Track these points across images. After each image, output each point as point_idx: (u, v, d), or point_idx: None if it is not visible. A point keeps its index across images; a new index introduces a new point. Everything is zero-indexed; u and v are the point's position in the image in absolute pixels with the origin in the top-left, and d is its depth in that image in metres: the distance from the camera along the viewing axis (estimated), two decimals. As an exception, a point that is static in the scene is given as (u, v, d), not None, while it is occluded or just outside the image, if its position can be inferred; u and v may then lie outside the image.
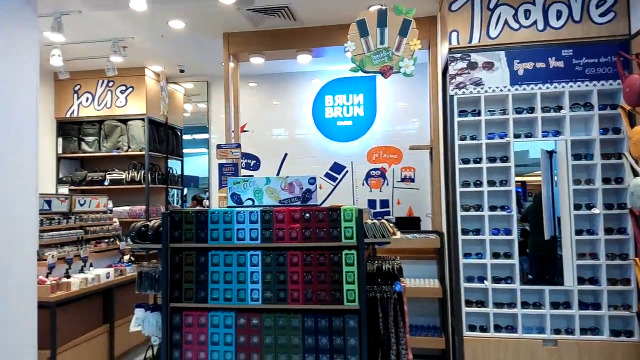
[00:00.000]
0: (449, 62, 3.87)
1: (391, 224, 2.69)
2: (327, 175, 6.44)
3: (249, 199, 2.98)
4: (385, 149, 6.30)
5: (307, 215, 2.65)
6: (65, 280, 3.86)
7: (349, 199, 6.32)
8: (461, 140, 3.87)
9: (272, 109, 6.77)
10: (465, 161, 3.88)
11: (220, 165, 4.89)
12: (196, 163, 7.76)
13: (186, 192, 7.66)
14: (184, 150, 7.38)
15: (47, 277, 3.79)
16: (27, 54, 3.23)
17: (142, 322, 2.77)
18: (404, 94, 6.34)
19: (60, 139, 6.42)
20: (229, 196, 3.03)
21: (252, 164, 6.70)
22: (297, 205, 2.87)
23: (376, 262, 2.83)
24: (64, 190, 6.33)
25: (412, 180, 6.22)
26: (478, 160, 3.85)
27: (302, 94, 6.62)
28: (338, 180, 6.43)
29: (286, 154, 6.62)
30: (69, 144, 6.41)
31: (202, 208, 5.80)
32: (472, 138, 3.88)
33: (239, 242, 2.70)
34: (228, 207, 2.97)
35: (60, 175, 6.43)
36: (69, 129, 6.43)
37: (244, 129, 6.58)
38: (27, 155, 3.24)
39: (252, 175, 6.47)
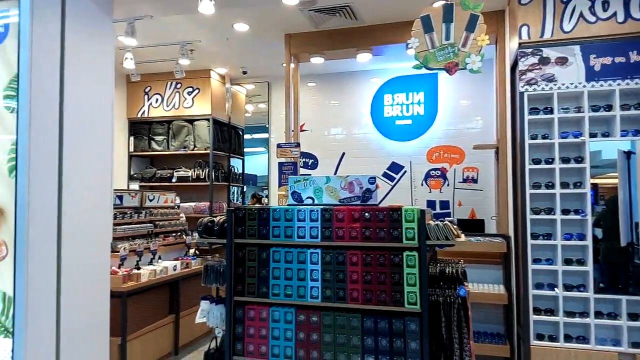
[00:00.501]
0: (519, 57, 3.69)
1: (455, 226, 2.60)
2: (385, 174, 6.36)
3: (308, 197, 3.00)
4: (446, 148, 6.12)
5: (367, 214, 2.63)
6: (135, 271, 4.10)
7: (407, 199, 6.21)
8: (532, 139, 3.68)
9: (331, 108, 6.80)
10: (536, 161, 3.68)
11: (280, 164, 4.97)
12: (255, 162, 7.96)
13: (245, 190, 7.87)
14: (245, 149, 7.59)
15: (119, 268, 4.04)
16: (103, 58, 3.44)
17: (207, 314, 2.88)
18: (467, 91, 6.13)
19: (132, 138, 6.82)
20: (289, 194, 3.08)
21: (309, 163, 6.77)
22: (356, 204, 2.85)
23: (438, 265, 2.75)
24: (135, 186, 6.73)
25: (475, 181, 6.00)
26: (550, 160, 3.65)
27: (361, 93, 6.60)
28: (396, 180, 6.34)
29: (344, 153, 6.63)
30: (140, 143, 6.80)
31: (261, 205, 5.93)
32: (544, 137, 3.67)
33: (299, 239, 2.73)
34: (288, 205, 3.01)
35: (132, 172, 6.83)
36: (140, 129, 6.81)
37: (303, 128, 6.66)
38: (104, 153, 3.46)
39: (310, 174, 6.55)
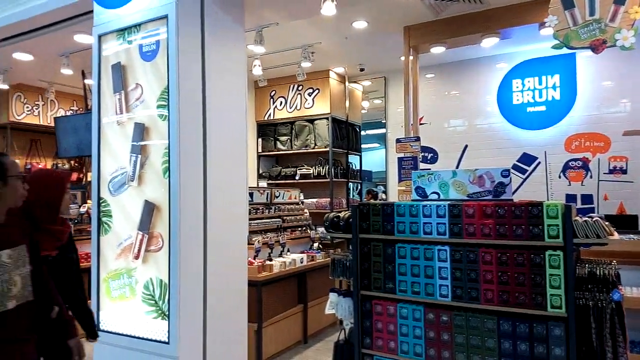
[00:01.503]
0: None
1: (606, 223, 2.31)
2: (515, 167, 5.91)
3: (433, 192, 2.92)
4: (588, 135, 5.47)
5: (501, 210, 2.47)
6: (268, 262, 4.39)
7: (542, 193, 5.69)
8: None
9: (451, 99, 6.52)
10: None
11: (400, 159, 4.91)
12: (370, 158, 7.98)
13: (362, 186, 7.93)
14: (361, 146, 7.66)
15: (254, 259, 4.36)
16: (237, 66, 3.74)
17: (336, 306, 2.97)
18: (611, 71, 5.41)
19: (259, 139, 7.32)
20: (413, 189, 3.02)
21: (429, 157, 6.58)
22: (488, 199, 2.69)
23: (586, 265, 2.47)
24: (263, 184, 7.21)
25: (624, 172, 5.27)
26: None
27: (485, 81, 6.21)
28: (528, 172, 5.85)
29: (466, 146, 6.31)
30: (267, 144, 7.26)
31: (384, 201, 5.93)
32: None
33: (425, 235, 2.67)
34: (413, 200, 2.96)
35: (260, 171, 7.33)
36: (267, 130, 7.28)
37: (421, 122, 6.49)
38: (239, 153, 3.77)
39: (430, 169, 6.35)
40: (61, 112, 7.29)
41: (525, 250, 2.38)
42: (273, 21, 4.36)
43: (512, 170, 5.86)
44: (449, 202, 2.65)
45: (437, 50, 5.09)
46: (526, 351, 2.34)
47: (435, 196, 2.89)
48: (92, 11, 3.63)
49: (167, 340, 3.13)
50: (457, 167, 6.30)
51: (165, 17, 3.19)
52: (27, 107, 6.97)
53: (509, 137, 6.00)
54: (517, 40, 5.36)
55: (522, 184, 5.86)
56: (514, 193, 5.76)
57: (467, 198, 2.76)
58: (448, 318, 2.54)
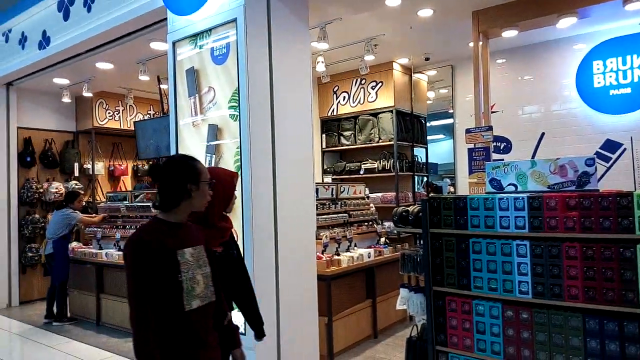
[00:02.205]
0: None
1: None
2: (598, 154, 5.49)
3: (510, 184, 2.79)
4: (684, 118, 4.96)
5: (587, 202, 2.31)
6: (336, 257, 4.43)
7: (629, 182, 5.24)
8: None
9: (524, 84, 6.17)
10: None
11: (470, 150, 4.73)
12: (436, 149, 7.75)
13: (428, 179, 7.74)
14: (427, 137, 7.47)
15: (322, 254, 4.42)
16: (302, 64, 3.80)
17: (407, 302, 2.94)
18: None
19: (323, 135, 7.37)
20: (487, 181, 2.91)
21: (501, 147, 6.28)
22: (571, 190, 2.53)
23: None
24: (328, 179, 7.27)
25: None
26: None
27: (562, 64, 5.81)
28: (612, 160, 5.42)
29: (543, 134, 5.95)
30: (331, 139, 7.30)
31: (450, 194, 5.77)
32: None
33: (502, 230, 2.56)
34: (487, 192, 2.85)
35: (325, 167, 7.40)
36: (330, 126, 7.32)
37: (493, 110, 6.20)
38: (306, 150, 3.84)
39: (503, 159, 6.07)
40: (139, 116, 7.80)
41: (613, 244, 2.22)
42: (336, 16, 4.36)
43: (595, 158, 5.50)
44: (528, 194, 2.53)
45: (509, 34, 4.83)
46: (616, 351, 2.19)
47: (512, 188, 2.76)
48: (166, 19, 3.85)
49: (243, 332, 3.26)
50: (533, 156, 5.96)
51: (234, 20, 3.31)
52: (109, 113, 7.53)
53: (590, 122, 5.58)
54: (597, 19, 4.95)
55: (606, 172, 5.43)
56: (597, 182, 5.41)
57: (547, 189, 2.61)
58: (528, 315, 2.43)
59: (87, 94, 6.43)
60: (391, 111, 6.60)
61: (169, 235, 1.76)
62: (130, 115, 7.76)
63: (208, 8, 3.43)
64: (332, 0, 3.98)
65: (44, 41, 5.34)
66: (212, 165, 3.53)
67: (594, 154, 5.47)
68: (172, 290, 1.70)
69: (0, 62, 6.15)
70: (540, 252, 2.41)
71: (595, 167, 2.52)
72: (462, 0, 4.50)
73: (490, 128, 4.66)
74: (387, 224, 5.76)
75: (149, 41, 4.73)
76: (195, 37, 3.61)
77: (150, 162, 7.66)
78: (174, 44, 3.75)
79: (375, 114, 6.81)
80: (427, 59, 6.54)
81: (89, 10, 4.67)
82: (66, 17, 4.99)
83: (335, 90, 7.18)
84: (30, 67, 5.71)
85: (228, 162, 3.43)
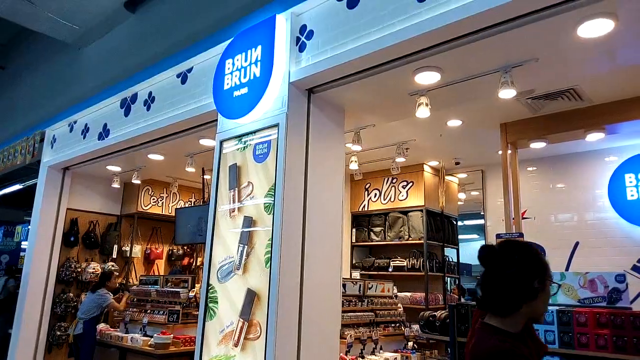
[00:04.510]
0: None
1: None
2: (635, 268, 5.30)
3: (540, 295, 2.75)
4: None
5: (618, 320, 2.26)
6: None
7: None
8: None
9: (556, 193, 6.20)
10: None
11: (501, 256, 4.69)
12: (469, 250, 7.64)
13: (460, 281, 7.55)
14: (458, 236, 7.42)
15: (346, 354, 4.29)
16: (336, 164, 4.05)
17: (433, 415, 2.79)
18: None
19: (354, 230, 7.47)
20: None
21: (535, 254, 6.15)
22: (602, 306, 2.48)
23: None
24: (356, 274, 7.21)
25: None
26: None
27: (593, 174, 5.87)
28: (653, 274, 5.20)
29: (577, 243, 5.83)
30: (361, 234, 7.38)
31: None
32: None
33: (532, 343, 2.49)
34: (516, 302, 2.81)
35: (354, 261, 7.39)
36: (361, 221, 7.44)
37: (524, 216, 6.20)
38: (335, 243, 3.93)
39: (537, 266, 5.91)
40: (181, 204, 8.20)
41: (651, 369, 2.12)
42: (370, 123, 4.70)
43: (632, 272, 5.32)
44: (557, 308, 2.49)
45: (537, 145, 5.01)
46: None
47: (540, 299, 2.73)
48: (216, 120, 4.26)
49: None
50: (567, 265, 5.79)
51: (277, 125, 3.64)
52: (153, 199, 7.97)
53: (625, 234, 5.47)
54: (625, 135, 5.10)
55: (647, 287, 5.19)
56: (635, 299, 5.18)
57: (578, 304, 2.57)
58: None
59: (136, 181, 6.89)
60: (421, 210, 6.70)
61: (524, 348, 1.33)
62: (172, 202, 8.17)
63: (254, 113, 3.80)
64: (367, 110, 4.32)
65: (104, 133, 5.91)
66: (244, 255, 3.66)
67: (631, 268, 5.28)
68: None
69: (63, 149, 6.77)
70: (572, 370, 2.32)
71: (627, 284, 2.49)
72: (490, 113, 4.77)
73: (521, 235, 4.65)
74: (415, 326, 5.57)
75: (198, 137, 5.17)
76: (240, 137, 3.96)
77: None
78: (221, 142, 4.11)
79: (405, 212, 6.92)
80: (457, 163, 6.76)
81: (148, 109, 5.22)
82: (127, 113, 5.58)
83: (367, 187, 7.41)
84: (89, 155, 6.24)
85: (259, 254, 3.56)
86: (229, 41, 4.21)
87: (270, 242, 3.50)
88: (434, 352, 4.58)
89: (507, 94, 3.46)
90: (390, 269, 6.93)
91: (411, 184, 6.91)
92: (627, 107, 4.21)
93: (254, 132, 3.84)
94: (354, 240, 7.45)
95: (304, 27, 3.75)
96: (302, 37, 3.75)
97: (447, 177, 7.21)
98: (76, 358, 5.78)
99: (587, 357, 2.29)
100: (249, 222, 3.71)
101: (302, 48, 3.73)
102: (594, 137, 4.79)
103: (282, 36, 3.77)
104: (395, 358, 4.63)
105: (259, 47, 3.87)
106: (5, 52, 10.95)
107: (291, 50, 3.76)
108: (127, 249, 7.83)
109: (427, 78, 3.58)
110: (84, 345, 5.69)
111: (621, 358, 2.19)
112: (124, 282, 7.65)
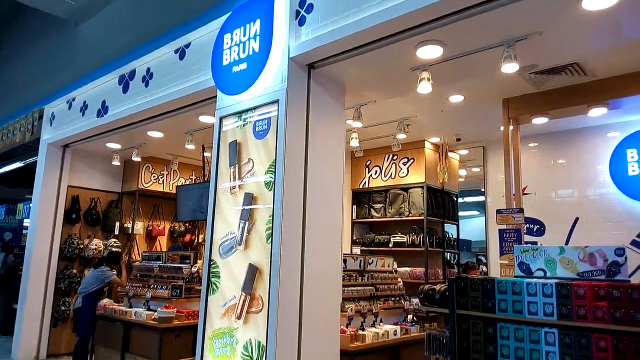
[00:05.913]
0: None
1: None
2: (634, 242, 5.34)
3: (539, 269, 2.78)
4: None
5: (617, 292, 2.29)
6: (361, 332, 4.36)
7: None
8: None
9: (557, 168, 6.20)
10: None
11: (501, 231, 4.72)
12: (469, 226, 7.69)
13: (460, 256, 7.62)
14: (459, 213, 7.46)
15: (346, 327, 4.36)
16: (336, 141, 4.04)
17: (432, 385, 2.86)
18: None
19: (354, 206, 7.50)
20: (516, 265, 2.91)
21: (534, 230, 6.19)
22: (600, 279, 2.51)
23: None
24: (357, 250, 7.28)
25: None
26: None
27: (595, 150, 5.85)
28: (651, 249, 5.24)
29: (577, 218, 5.86)
30: (361, 211, 7.41)
31: (479, 275, 5.66)
32: None
33: (530, 316, 2.53)
34: (516, 276, 2.84)
35: (354, 237, 7.44)
36: (362, 198, 7.47)
37: (525, 192, 6.21)
38: (335, 219, 3.95)
39: (536, 242, 5.97)
40: (181, 181, 8.21)
41: (647, 339, 2.16)
42: (371, 99, 4.66)
43: (631, 247, 5.36)
44: (556, 281, 2.52)
45: (540, 121, 4.98)
46: None
47: (540, 273, 2.76)
48: (215, 97, 4.22)
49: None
50: (567, 240, 5.84)
51: (277, 101, 3.61)
52: (154, 176, 7.98)
53: (625, 209, 5.49)
54: (628, 110, 5.05)
55: (645, 262, 5.24)
56: (634, 272, 5.22)
57: (577, 277, 2.60)
58: (558, 409, 2.33)
59: (136, 158, 6.88)
60: (422, 187, 6.72)
61: None
62: (173, 179, 8.18)
63: (254, 89, 3.76)
64: (368, 86, 4.28)
65: (103, 110, 5.87)
66: (245, 231, 3.68)
67: (630, 242, 5.32)
68: None
69: (62, 126, 6.74)
70: (569, 341, 2.36)
71: (625, 257, 2.51)
72: (492, 89, 4.73)
73: (521, 210, 4.67)
74: (415, 300, 5.65)
75: (198, 114, 5.13)
76: (240, 113, 3.93)
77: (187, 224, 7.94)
78: (220, 119, 4.09)
79: (406, 188, 6.93)
80: (458, 140, 6.73)
81: (146, 85, 5.17)
82: (125, 90, 5.53)
83: (367, 164, 7.40)
84: (88, 132, 6.23)
85: (260, 230, 3.58)
86: (227, 15, 4.14)
87: (271, 218, 3.52)
88: (433, 325, 4.65)
89: (510, 68, 3.42)
90: (390, 245, 6.98)
91: (412, 160, 6.90)
92: (631, 81, 4.17)
93: (254, 108, 3.81)
94: (354, 217, 7.49)
95: (303, 1, 3.68)
96: (301, 11, 3.68)
97: (448, 154, 7.18)
98: (74, 331, 5.90)
99: (584, 328, 2.33)
100: (250, 198, 3.72)
101: (301, 22, 3.66)
102: (596, 113, 4.76)
103: (281, 9, 3.70)
104: (395, 330, 4.70)
105: (258, 21, 3.80)
106: (2, 30, 10.79)
107: (290, 24, 3.70)
108: (129, 225, 7.88)
109: (430, 52, 3.53)
110: (81, 318, 5.80)
111: (618, 329, 2.23)
112: (127, 258, 7.73)
